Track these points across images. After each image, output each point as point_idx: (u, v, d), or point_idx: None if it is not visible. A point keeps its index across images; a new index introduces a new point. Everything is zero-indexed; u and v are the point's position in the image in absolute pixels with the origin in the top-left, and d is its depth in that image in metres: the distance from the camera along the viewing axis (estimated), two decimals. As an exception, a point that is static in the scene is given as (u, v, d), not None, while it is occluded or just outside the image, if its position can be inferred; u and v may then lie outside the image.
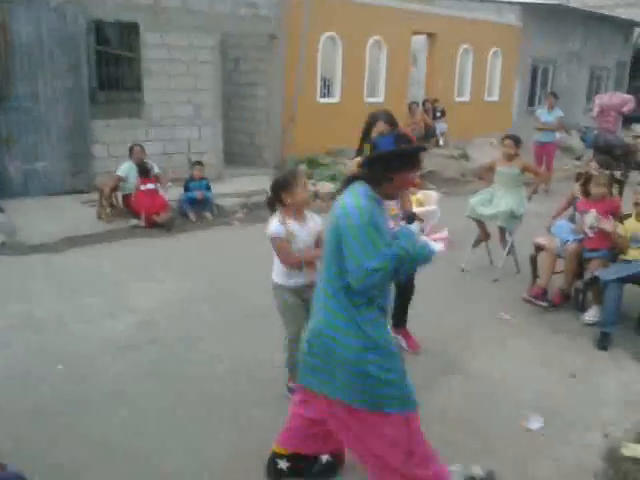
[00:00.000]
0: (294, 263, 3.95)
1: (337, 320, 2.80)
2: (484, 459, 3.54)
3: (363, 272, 2.64)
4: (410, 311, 4.98)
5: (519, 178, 6.68)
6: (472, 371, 4.69)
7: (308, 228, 3.98)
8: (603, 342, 5.08)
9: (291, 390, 4.12)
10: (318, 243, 3.99)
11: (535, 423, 4.00)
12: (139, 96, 10.22)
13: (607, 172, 6.13)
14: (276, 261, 4.03)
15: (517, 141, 6.66)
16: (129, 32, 10.33)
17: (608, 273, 5.28)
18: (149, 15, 9.82)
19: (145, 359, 4.72)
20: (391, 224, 4.40)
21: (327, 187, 10.75)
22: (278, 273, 4.05)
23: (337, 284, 2.80)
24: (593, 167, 6.21)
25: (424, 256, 2.85)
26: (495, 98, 17.41)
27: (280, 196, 3.89)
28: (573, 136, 17.17)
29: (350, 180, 2.91)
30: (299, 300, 4.03)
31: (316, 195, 10.65)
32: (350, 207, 2.72)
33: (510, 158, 6.64)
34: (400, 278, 2.97)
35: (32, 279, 6.38)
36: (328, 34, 12.66)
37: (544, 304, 5.78)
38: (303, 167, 11.53)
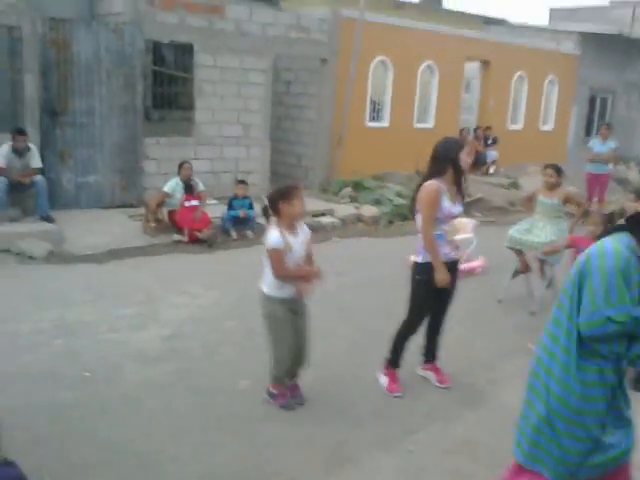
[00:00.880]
0: (290, 276, 4.01)
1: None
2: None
3: (597, 317, 2.52)
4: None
5: (560, 208, 6.53)
6: (496, 404, 4.57)
7: (300, 239, 4.07)
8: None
9: (272, 395, 4.24)
10: (309, 256, 4.12)
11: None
12: (190, 115, 10.51)
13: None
14: (267, 272, 4.07)
15: (558, 170, 6.52)
16: (184, 53, 10.64)
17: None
18: (204, 37, 10.10)
19: (168, 370, 4.80)
20: (447, 249, 4.45)
21: (370, 211, 10.75)
22: (269, 284, 4.08)
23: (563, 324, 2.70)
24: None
25: None
26: (550, 127, 17.12)
27: (278, 206, 3.95)
28: (631, 168, 16.73)
29: (612, 229, 2.78)
30: (289, 313, 4.07)
31: (359, 218, 10.67)
32: (608, 250, 2.60)
33: (551, 188, 6.51)
34: (631, 360, 2.68)
35: (71, 287, 6.58)
36: (379, 58, 12.75)
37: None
38: (348, 190, 11.60)
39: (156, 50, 10.89)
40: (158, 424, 4.03)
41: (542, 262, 6.72)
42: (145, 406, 4.25)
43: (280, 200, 3.96)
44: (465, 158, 4.34)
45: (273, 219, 4.05)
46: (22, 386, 4.38)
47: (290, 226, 4.04)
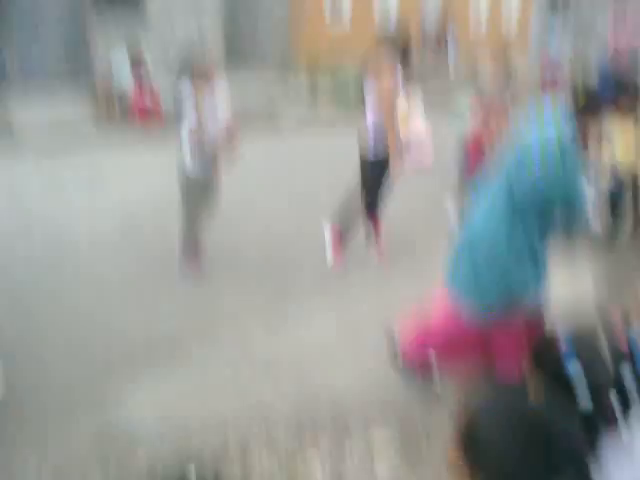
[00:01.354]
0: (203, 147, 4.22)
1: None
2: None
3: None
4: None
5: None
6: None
7: (217, 100, 4.26)
8: None
9: (183, 260, 4.58)
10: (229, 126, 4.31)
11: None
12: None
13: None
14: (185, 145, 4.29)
15: (506, 51, 6.63)
16: None
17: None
18: None
19: (118, 246, 4.98)
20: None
21: (326, 109, 10.69)
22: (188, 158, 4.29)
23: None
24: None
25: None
26: (512, 33, 17.06)
27: (190, 67, 4.15)
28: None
29: None
30: (199, 187, 4.38)
31: (316, 117, 10.62)
32: (547, 131, 2.70)
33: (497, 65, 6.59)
34: None
35: (23, 175, 6.58)
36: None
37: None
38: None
39: None
40: (108, 290, 4.28)
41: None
42: (96, 277, 4.47)
43: (190, 63, 4.22)
44: None
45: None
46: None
47: (204, 87, 4.20)
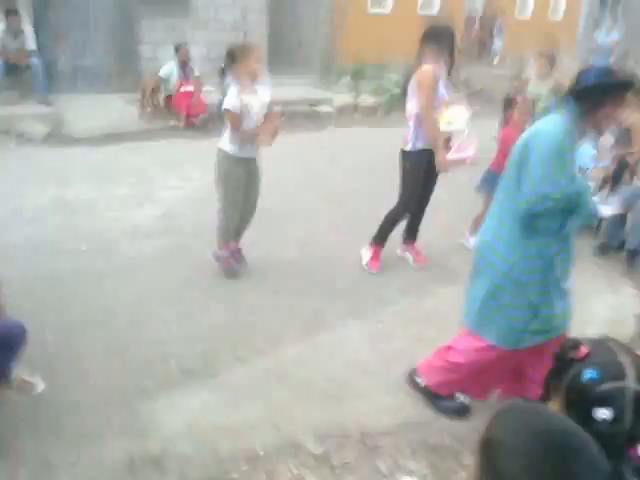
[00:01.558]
0: (244, 136, 4.20)
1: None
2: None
3: (534, 195, 2.71)
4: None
5: (550, 97, 6.55)
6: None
7: (259, 98, 4.23)
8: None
9: (218, 257, 4.57)
10: (270, 114, 4.32)
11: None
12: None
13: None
14: (228, 131, 4.28)
15: (551, 58, 6.50)
16: None
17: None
18: None
19: (161, 245, 5.10)
20: None
21: (368, 100, 10.73)
22: (228, 144, 4.29)
23: (504, 202, 2.92)
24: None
25: (590, 210, 2.90)
26: (559, 16, 16.58)
27: (233, 64, 4.09)
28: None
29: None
30: (243, 172, 4.33)
31: (355, 108, 10.66)
32: (543, 132, 2.77)
33: (543, 76, 6.52)
34: (565, 229, 2.89)
35: (70, 168, 6.80)
36: (384, -61, 12.22)
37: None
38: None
39: None
40: (150, 293, 4.36)
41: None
42: (138, 277, 4.57)
43: (235, 58, 4.09)
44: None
45: (234, 81, 4.17)
46: (24, 255, 4.69)
47: (249, 87, 4.17)
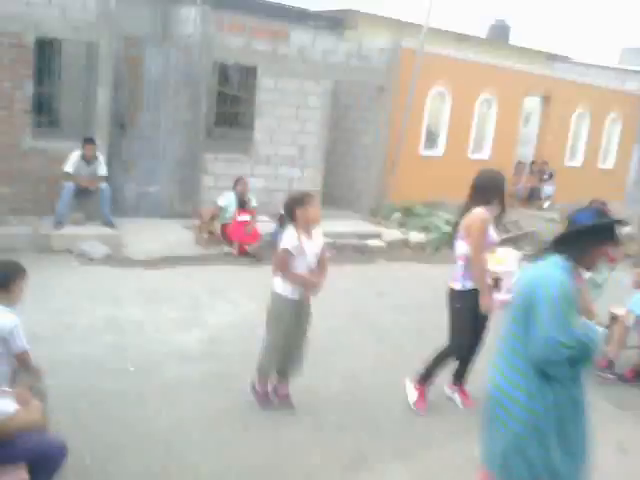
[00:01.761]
0: (290, 278, 4.25)
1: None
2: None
3: (550, 343, 2.68)
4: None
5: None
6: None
7: (315, 245, 4.34)
8: None
9: (254, 391, 4.51)
10: (322, 262, 4.39)
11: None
12: (250, 134, 10.95)
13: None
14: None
15: (602, 205, 6.55)
16: (247, 75, 11.12)
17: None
18: (267, 60, 10.56)
19: (205, 370, 5.10)
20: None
21: (418, 237, 10.91)
22: (282, 285, 4.34)
23: (515, 348, 2.90)
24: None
25: (595, 353, 2.90)
26: (610, 165, 16.89)
27: (293, 211, 4.22)
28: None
29: (545, 251, 3.00)
30: (294, 315, 4.33)
31: (406, 244, 10.83)
32: (549, 278, 2.78)
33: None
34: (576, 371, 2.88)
35: (125, 289, 7.00)
36: (438, 88, 12.95)
37: (610, 376, 5.62)
38: (398, 216, 11.76)
39: (221, 71, 11.41)
40: (189, 418, 4.32)
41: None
42: (180, 401, 4.55)
43: (295, 206, 4.24)
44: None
45: (293, 225, 4.30)
46: (70, 373, 4.74)
47: (306, 231, 4.30)
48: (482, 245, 4.48)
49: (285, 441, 4.13)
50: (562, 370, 2.77)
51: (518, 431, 2.84)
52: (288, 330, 4.38)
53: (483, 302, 4.50)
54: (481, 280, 4.50)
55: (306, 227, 4.30)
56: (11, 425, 2.68)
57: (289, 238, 4.26)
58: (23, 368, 3.39)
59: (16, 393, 2.99)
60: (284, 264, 4.27)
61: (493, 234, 4.56)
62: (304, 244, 4.27)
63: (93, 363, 5.00)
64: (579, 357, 2.75)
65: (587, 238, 2.84)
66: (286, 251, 4.25)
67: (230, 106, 11.35)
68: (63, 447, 2.86)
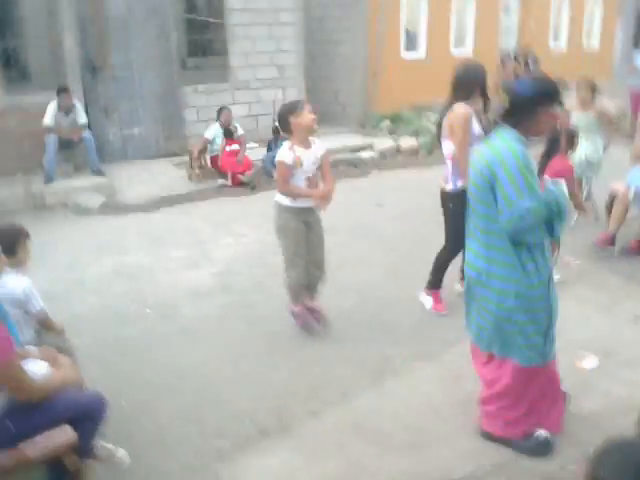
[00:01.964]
0: (291, 193, 4.20)
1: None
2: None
3: (517, 212, 2.77)
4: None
5: (595, 124, 6.50)
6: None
7: (314, 154, 4.23)
8: None
9: (293, 314, 4.51)
10: (323, 168, 4.30)
11: (590, 363, 4.06)
12: (225, 60, 10.62)
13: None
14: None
15: (592, 86, 6.46)
16: (213, -2, 10.69)
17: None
18: (232, -20, 10.12)
19: (221, 303, 5.17)
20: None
21: (409, 142, 10.80)
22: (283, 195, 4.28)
23: (488, 227, 2.97)
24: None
25: (565, 211, 2.98)
26: (594, 45, 16.52)
27: (287, 121, 4.10)
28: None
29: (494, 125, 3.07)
30: (301, 223, 4.29)
31: (398, 150, 10.74)
32: (504, 152, 2.85)
33: (585, 104, 6.47)
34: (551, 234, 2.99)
35: (126, 235, 6.99)
36: (411, -14, 12.48)
37: (611, 248, 5.74)
38: (387, 123, 11.60)
39: (186, -2, 10.96)
40: (215, 351, 4.40)
41: (579, 178, 6.75)
42: (202, 336, 4.62)
43: (288, 114, 4.11)
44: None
45: (287, 136, 4.22)
46: (91, 325, 4.80)
47: (303, 141, 4.19)
48: (467, 142, 4.41)
49: (310, 359, 4.22)
50: (538, 235, 2.90)
51: (506, 304, 2.97)
52: (298, 239, 4.31)
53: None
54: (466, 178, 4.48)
55: (303, 136, 4.18)
56: (48, 387, 2.71)
57: (284, 151, 4.18)
58: (45, 328, 3.42)
59: (44, 353, 3.03)
60: (284, 179, 4.18)
61: (477, 128, 4.47)
62: (302, 155, 4.17)
63: (110, 312, 5.05)
64: (550, 217, 2.86)
65: (531, 105, 2.88)
66: (282, 164, 4.15)
67: (201, 34, 10.93)
68: (102, 400, 2.90)
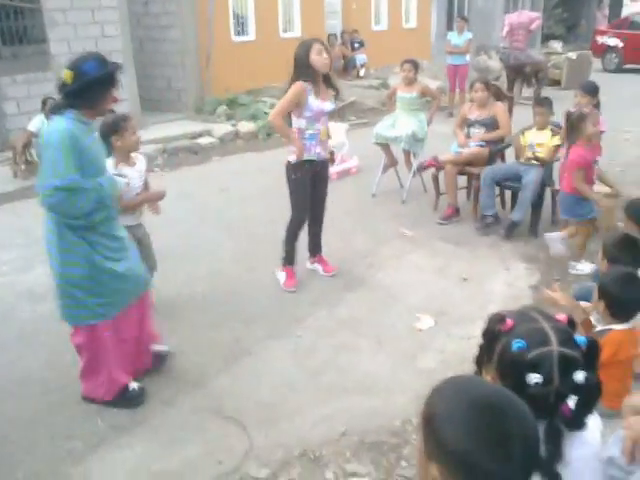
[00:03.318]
0: (128, 207, 4.12)
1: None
2: (379, 355, 3.95)
3: (46, 188, 2.88)
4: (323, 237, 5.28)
5: (418, 102, 6.94)
6: (374, 284, 5.06)
7: (138, 170, 4.20)
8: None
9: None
10: (146, 183, 4.31)
11: (426, 323, 4.41)
12: (45, 48, 9.96)
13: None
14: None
15: (415, 65, 6.88)
16: (26, -19, 9.97)
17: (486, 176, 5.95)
18: (45, -38, 9.47)
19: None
20: (318, 149, 4.66)
21: (247, 126, 10.84)
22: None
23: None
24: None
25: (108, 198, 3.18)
26: (413, 25, 17.52)
27: (110, 140, 3.89)
28: (492, 57, 17.52)
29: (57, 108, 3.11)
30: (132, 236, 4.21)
31: (237, 135, 10.75)
32: (52, 130, 2.98)
33: (409, 82, 6.88)
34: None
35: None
36: (236, -31, 12.45)
37: (458, 217, 6.37)
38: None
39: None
40: (55, 354, 4.18)
41: (407, 154, 7.22)
42: (41, 341, 4.37)
43: (111, 135, 3.91)
44: (316, 57, 4.52)
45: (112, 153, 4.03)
46: None
47: (126, 157, 4.09)
48: (284, 108, 4.58)
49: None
50: (77, 218, 3.10)
51: (61, 283, 3.24)
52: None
53: (297, 147, 4.62)
54: (285, 136, 4.72)
55: (127, 155, 4.09)
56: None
57: (111, 169, 4.04)
58: None
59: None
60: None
61: (317, 102, 4.60)
62: (126, 173, 4.05)
63: None
64: (94, 201, 3.07)
65: (95, 87, 3.04)
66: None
67: (15, 20, 10.16)
68: None
